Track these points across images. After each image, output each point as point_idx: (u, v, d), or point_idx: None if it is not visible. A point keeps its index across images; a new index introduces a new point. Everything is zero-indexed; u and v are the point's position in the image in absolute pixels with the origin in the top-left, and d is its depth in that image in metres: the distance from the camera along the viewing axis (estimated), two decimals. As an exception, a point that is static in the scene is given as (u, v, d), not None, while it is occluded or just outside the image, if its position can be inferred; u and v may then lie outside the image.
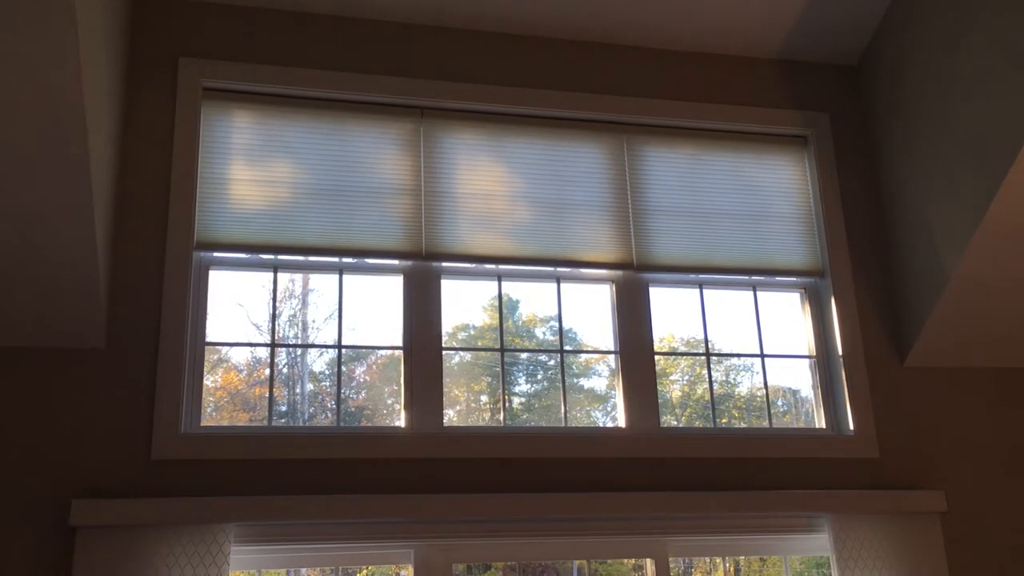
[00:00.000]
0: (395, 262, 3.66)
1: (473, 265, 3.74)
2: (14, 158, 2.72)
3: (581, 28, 3.98)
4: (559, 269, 3.81)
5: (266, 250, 3.53)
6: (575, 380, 3.92)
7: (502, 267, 3.78)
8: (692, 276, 3.94)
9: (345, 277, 3.68)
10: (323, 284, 3.76)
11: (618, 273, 3.84)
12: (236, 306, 3.63)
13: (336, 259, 3.62)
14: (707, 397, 4.01)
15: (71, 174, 2.80)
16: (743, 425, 4.05)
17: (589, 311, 3.90)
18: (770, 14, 4.02)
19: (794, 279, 4.03)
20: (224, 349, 3.67)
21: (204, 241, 3.48)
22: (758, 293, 4.03)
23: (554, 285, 3.86)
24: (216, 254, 3.51)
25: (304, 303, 3.96)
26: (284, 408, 3.97)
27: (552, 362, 3.93)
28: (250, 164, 3.60)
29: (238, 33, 3.69)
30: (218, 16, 3.69)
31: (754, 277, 4.00)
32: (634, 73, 4.04)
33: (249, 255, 3.56)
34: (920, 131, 3.84)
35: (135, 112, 3.51)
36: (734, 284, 4.01)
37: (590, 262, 3.81)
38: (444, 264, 3.69)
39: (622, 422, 3.72)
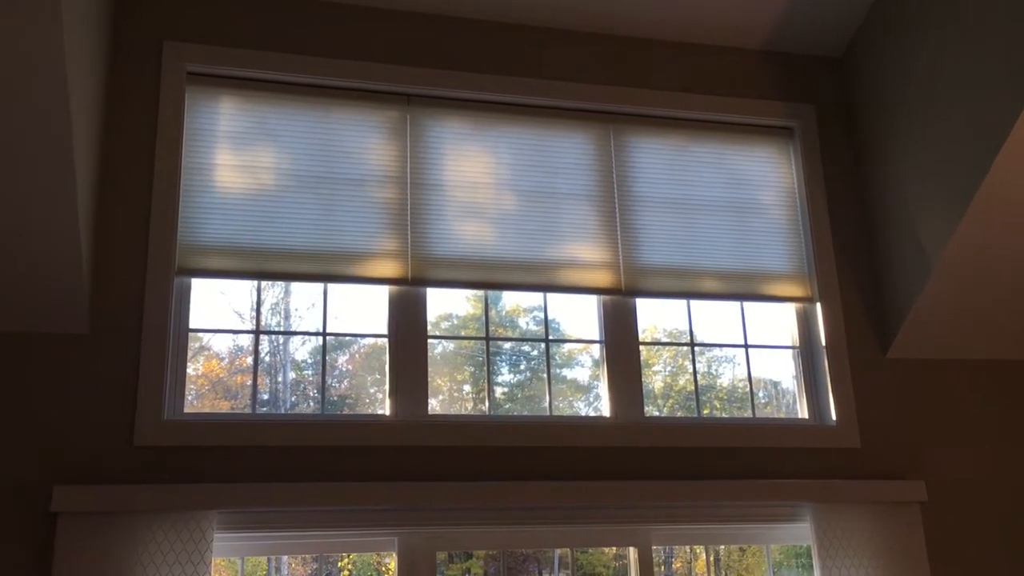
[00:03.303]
0: (384, 282, 3.64)
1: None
2: (-3, 142, 2.70)
3: (568, 18, 3.98)
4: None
5: (248, 275, 3.50)
6: (557, 370, 3.93)
7: (490, 291, 3.80)
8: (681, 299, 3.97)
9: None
10: (307, 271, 3.74)
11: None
12: (219, 294, 3.61)
13: (321, 275, 3.61)
14: (689, 388, 4.03)
15: (54, 159, 2.78)
16: (724, 416, 4.06)
17: (573, 301, 3.90)
18: (757, 5, 4.03)
19: (785, 303, 4.04)
20: (205, 337, 3.65)
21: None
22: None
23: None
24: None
25: (287, 291, 3.94)
26: (266, 396, 3.95)
27: (535, 352, 3.93)
28: (234, 151, 3.57)
29: (223, 17, 3.66)
30: (203, 0, 3.66)
31: (744, 301, 4.02)
32: (621, 63, 4.04)
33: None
34: (905, 123, 3.86)
35: (119, 97, 3.47)
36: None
37: (578, 287, 3.78)
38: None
39: (605, 412, 3.72)
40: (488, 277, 3.70)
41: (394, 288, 3.63)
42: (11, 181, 2.80)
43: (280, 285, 3.61)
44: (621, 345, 3.78)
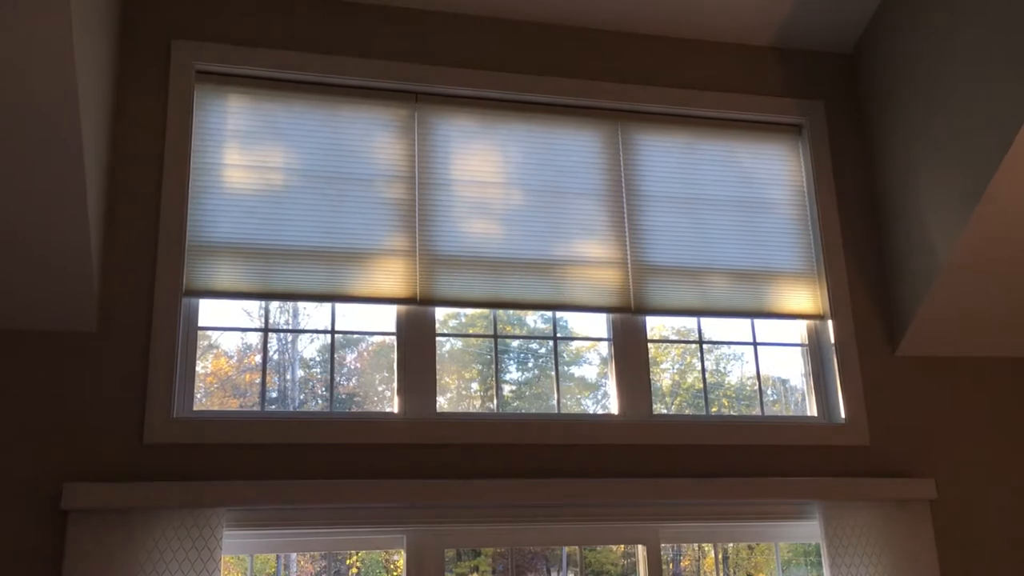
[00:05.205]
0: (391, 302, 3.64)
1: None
2: (6, 143, 2.70)
3: (576, 14, 3.97)
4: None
5: (256, 296, 3.48)
6: (565, 368, 3.93)
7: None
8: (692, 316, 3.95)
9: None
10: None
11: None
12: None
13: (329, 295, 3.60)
14: (697, 386, 4.02)
15: (64, 158, 2.78)
16: (733, 413, 4.06)
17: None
18: (766, 1, 4.02)
19: (797, 319, 4.02)
20: (214, 335, 3.65)
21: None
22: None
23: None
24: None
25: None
26: (274, 395, 3.96)
27: (543, 350, 3.93)
28: (243, 150, 3.58)
29: (232, 16, 3.66)
30: (211, -2, 3.67)
31: (755, 319, 4.00)
32: (629, 60, 4.04)
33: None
34: (915, 119, 3.85)
35: (128, 95, 3.48)
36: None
37: (588, 306, 3.75)
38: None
39: (613, 409, 3.72)
40: (496, 276, 3.68)
41: (403, 291, 3.61)
42: (21, 179, 2.81)
43: (287, 281, 3.59)
44: (629, 342, 3.78)
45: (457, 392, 3.90)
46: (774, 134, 4.15)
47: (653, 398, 3.76)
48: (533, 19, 3.97)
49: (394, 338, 3.61)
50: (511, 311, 3.92)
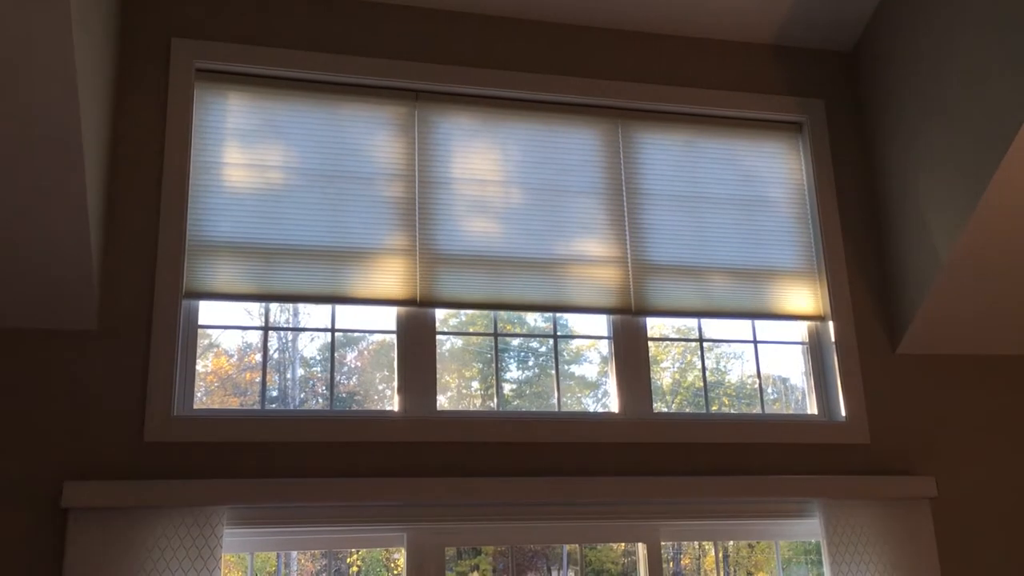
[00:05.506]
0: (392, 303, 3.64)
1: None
2: (6, 141, 2.70)
3: (577, 13, 3.97)
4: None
5: (254, 298, 3.48)
6: (565, 367, 3.93)
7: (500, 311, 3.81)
8: (692, 317, 3.95)
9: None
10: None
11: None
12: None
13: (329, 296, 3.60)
14: (697, 384, 4.02)
15: (64, 157, 2.78)
16: (733, 412, 4.06)
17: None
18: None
19: (796, 321, 4.01)
20: (214, 334, 3.65)
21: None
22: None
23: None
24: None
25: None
26: (275, 393, 3.97)
27: (543, 348, 3.93)
28: (243, 148, 3.58)
29: (231, 14, 3.66)
30: (211, -3, 3.67)
31: (756, 320, 3.99)
32: (629, 58, 4.04)
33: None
34: (915, 118, 3.85)
35: (128, 94, 3.48)
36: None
37: (589, 307, 3.75)
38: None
39: (614, 408, 3.72)
40: (496, 275, 3.68)
41: (403, 292, 3.61)
42: (21, 178, 2.81)
43: (288, 282, 3.59)
44: (629, 341, 3.78)
45: (457, 391, 3.90)
46: (774, 132, 4.15)
47: (653, 396, 3.76)
48: (533, 18, 3.97)
49: (394, 336, 3.62)
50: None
